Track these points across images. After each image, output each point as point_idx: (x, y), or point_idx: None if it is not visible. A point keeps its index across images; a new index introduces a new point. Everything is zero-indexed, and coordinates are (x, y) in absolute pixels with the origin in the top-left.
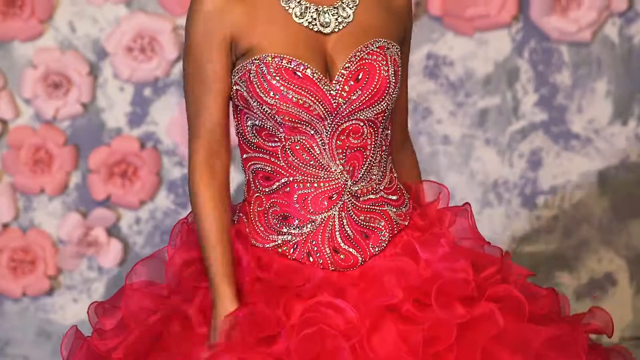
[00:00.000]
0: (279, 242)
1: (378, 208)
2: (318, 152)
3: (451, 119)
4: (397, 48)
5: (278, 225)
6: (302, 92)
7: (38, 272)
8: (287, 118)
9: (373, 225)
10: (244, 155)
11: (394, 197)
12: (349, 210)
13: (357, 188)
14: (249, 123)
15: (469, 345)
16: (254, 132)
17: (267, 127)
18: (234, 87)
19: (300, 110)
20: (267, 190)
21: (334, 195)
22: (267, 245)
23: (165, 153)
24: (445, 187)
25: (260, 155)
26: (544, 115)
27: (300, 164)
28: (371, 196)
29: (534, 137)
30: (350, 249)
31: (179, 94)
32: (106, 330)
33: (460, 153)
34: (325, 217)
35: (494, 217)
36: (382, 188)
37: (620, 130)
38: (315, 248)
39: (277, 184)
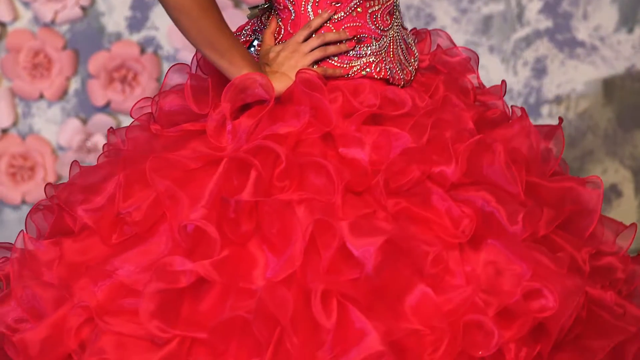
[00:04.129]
0: (360, 64)
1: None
2: None
3: (455, 25)
4: None
5: (357, 49)
6: None
7: (37, 178)
8: None
9: (409, 41)
10: None
11: None
12: (400, 26)
13: (398, 4)
14: None
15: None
16: None
17: None
18: None
19: None
20: (336, 18)
21: (392, 10)
22: (349, 73)
23: (165, 59)
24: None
25: None
26: (549, 22)
27: None
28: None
29: (538, 44)
30: (407, 64)
31: None
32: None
33: None
34: (392, 32)
35: None
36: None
37: (626, 38)
38: (390, 65)
39: (350, 5)
